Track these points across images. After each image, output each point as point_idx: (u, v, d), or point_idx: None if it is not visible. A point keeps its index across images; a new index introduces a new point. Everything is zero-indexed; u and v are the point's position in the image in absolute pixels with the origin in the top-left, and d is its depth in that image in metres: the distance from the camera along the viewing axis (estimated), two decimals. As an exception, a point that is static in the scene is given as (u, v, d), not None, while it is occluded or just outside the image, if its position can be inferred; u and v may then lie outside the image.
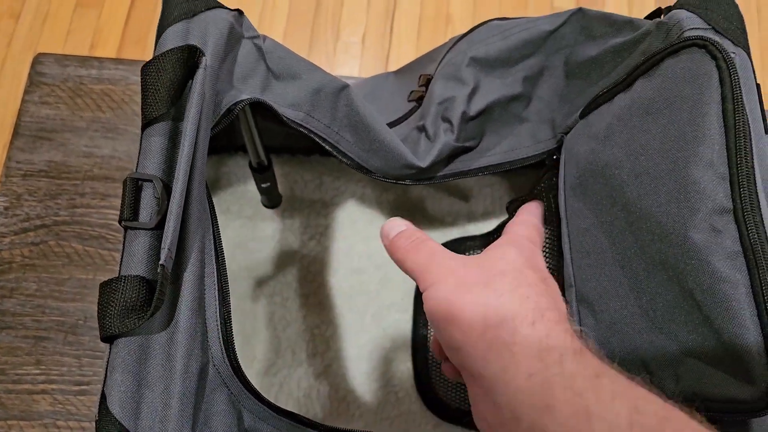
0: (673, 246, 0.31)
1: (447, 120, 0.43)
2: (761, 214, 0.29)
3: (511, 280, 0.31)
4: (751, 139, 0.30)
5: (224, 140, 0.63)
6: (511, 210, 0.57)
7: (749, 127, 0.30)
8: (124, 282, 0.29)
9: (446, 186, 0.64)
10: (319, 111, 0.41)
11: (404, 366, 0.60)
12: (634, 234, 0.34)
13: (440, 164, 0.45)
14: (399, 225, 0.38)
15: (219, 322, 0.33)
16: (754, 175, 0.29)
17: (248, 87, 0.38)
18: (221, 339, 0.33)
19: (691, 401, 0.26)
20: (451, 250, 0.61)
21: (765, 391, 0.27)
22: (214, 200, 0.65)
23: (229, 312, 0.34)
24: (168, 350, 0.30)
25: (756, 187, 0.29)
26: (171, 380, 0.30)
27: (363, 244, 0.63)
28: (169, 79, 0.32)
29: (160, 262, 0.28)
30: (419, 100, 0.48)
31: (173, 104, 0.32)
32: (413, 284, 0.62)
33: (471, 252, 0.62)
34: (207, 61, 0.34)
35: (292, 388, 0.59)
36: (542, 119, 0.45)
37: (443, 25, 1.07)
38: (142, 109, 0.32)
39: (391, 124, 0.47)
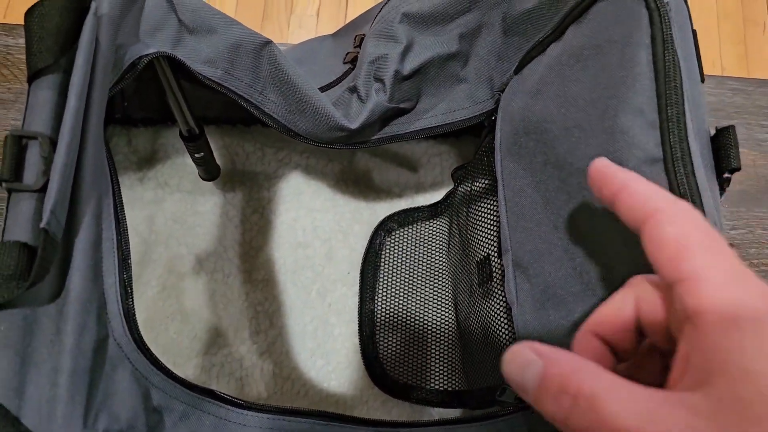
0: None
1: (379, 79, 0.41)
2: (692, 164, 0.27)
3: None
4: (682, 84, 0.28)
5: (161, 111, 0.60)
6: (456, 178, 0.55)
7: (680, 70, 0.28)
8: (2, 248, 0.26)
9: (394, 156, 0.62)
10: (239, 69, 0.39)
11: (350, 342, 0.58)
12: (567, 192, 0.32)
13: (373, 127, 0.42)
14: (530, 361, 0.23)
15: (119, 292, 0.30)
16: (685, 122, 0.27)
17: (157, 41, 0.35)
18: (121, 310, 0.30)
19: None
20: (400, 221, 0.60)
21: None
22: (151, 173, 0.62)
23: (130, 279, 0.31)
24: (57, 323, 0.27)
25: (687, 135, 0.27)
26: (60, 356, 0.27)
27: (308, 216, 0.61)
28: (55, 25, 0.29)
29: (41, 225, 0.26)
30: (354, 61, 0.45)
31: (62, 54, 0.29)
32: (359, 257, 0.60)
33: (419, 223, 0.60)
34: (104, 9, 0.31)
35: (234, 368, 0.57)
36: (480, 79, 0.43)
37: (399, -5, 1.04)
38: (27, 59, 0.29)
39: (325, 88, 0.45)
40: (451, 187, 0.60)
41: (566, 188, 0.32)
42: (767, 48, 1.07)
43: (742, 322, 0.19)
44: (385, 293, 0.58)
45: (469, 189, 0.50)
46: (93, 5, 0.29)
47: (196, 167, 0.57)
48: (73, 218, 0.29)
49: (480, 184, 0.47)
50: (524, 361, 0.23)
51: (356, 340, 0.58)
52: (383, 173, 0.62)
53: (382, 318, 0.57)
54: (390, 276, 0.58)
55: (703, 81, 0.31)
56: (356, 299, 0.59)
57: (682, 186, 0.27)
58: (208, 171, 0.56)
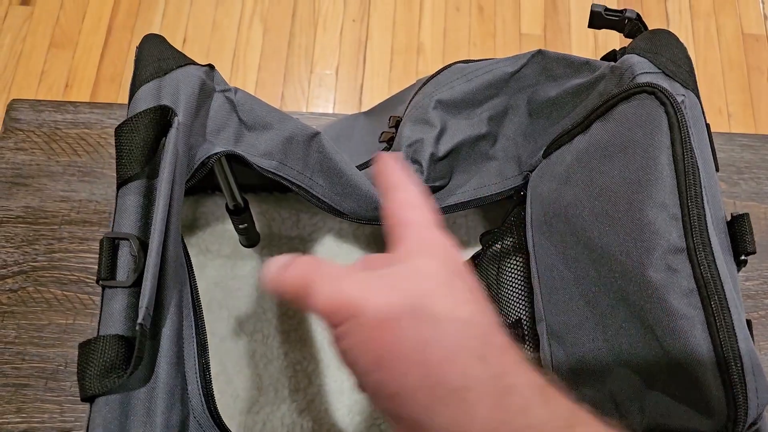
0: (633, 284, 0.32)
1: (416, 162, 0.45)
2: (713, 253, 0.30)
3: (443, 301, 0.25)
4: (701, 181, 0.31)
5: (201, 181, 0.64)
6: (484, 242, 0.58)
7: (699, 169, 0.32)
8: (102, 342, 0.30)
9: (421, 218, 0.65)
10: (292, 159, 0.43)
11: (386, 398, 0.60)
12: (597, 271, 0.35)
13: None
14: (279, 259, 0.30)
15: (198, 375, 0.33)
16: (704, 215, 0.31)
17: (221, 139, 0.39)
18: (201, 391, 0.33)
19: None
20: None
21: (723, 423, 0.28)
22: (193, 240, 0.66)
23: (208, 364, 0.34)
24: (148, 406, 0.31)
25: (707, 226, 0.31)
26: (152, 436, 0.30)
27: (341, 278, 0.64)
28: (142, 139, 0.33)
29: (138, 321, 0.29)
30: (390, 141, 0.49)
31: (147, 163, 0.33)
32: (392, 316, 0.63)
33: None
34: (179, 119, 0.35)
35: (276, 426, 0.59)
36: (508, 157, 0.47)
37: (414, 55, 1.09)
38: (117, 168, 0.33)
39: (363, 166, 0.49)
40: (476, 248, 0.63)
41: (596, 267, 0.35)
42: (772, 95, 1.11)
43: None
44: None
45: (498, 251, 0.53)
46: (176, 120, 0.33)
47: (239, 236, 0.60)
48: (159, 310, 0.32)
49: (509, 249, 0.51)
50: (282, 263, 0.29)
51: (391, 396, 0.60)
52: (412, 235, 0.65)
53: None
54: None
55: (717, 170, 0.35)
56: (390, 357, 0.62)
57: (705, 274, 0.30)
58: (250, 239, 0.60)
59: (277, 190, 0.66)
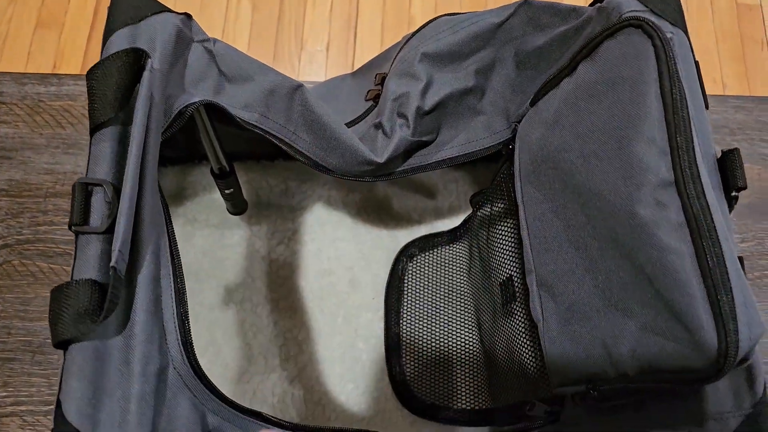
0: (623, 223, 0.32)
1: (402, 115, 0.44)
2: (702, 185, 0.30)
3: None
4: (689, 113, 0.31)
5: (188, 150, 0.63)
6: (474, 203, 0.58)
7: (687, 101, 0.31)
8: (75, 286, 0.29)
9: (412, 183, 0.64)
10: (274, 111, 0.42)
11: (378, 366, 0.60)
12: (586, 215, 0.35)
13: (398, 159, 0.45)
14: None
15: (177, 323, 0.32)
16: (693, 147, 0.30)
17: (200, 90, 0.38)
18: (180, 340, 0.32)
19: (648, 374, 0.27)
20: (421, 247, 0.63)
21: (715, 358, 0.28)
22: (180, 210, 0.65)
23: (186, 312, 0.34)
24: (125, 354, 0.30)
25: (696, 158, 0.30)
26: (129, 385, 0.29)
27: (331, 246, 0.63)
28: (115, 82, 0.32)
29: (111, 264, 0.28)
30: (376, 98, 0.48)
31: (121, 108, 0.32)
32: (383, 284, 0.62)
33: (440, 248, 0.62)
34: (154, 63, 0.34)
35: (266, 395, 0.59)
36: (497, 110, 0.46)
37: (405, 29, 1.08)
38: (89, 113, 0.32)
39: (350, 124, 0.48)
40: (468, 211, 0.62)
41: (585, 211, 0.35)
42: (767, 65, 1.09)
43: None
44: (409, 317, 0.60)
45: (488, 213, 0.52)
46: (149, 63, 0.32)
47: (225, 203, 0.59)
48: (135, 257, 0.31)
49: (499, 209, 0.50)
50: None
51: (383, 364, 0.60)
52: (402, 201, 0.64)
53: (408, 341, 0.59)
54: (414, 300, 0.61)
55: (707, 108, 0.34)
56: (382, 324, 0.61)
57: (694, 206, 0.29)
58: (236, 205, 0.59)
59: (264, 158, 0.65)
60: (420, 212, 0.64)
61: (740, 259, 0.31)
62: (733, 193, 0.32)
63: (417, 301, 0.61)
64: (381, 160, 0.43)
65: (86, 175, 0.32)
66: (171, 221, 0.36)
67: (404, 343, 0.59)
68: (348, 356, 0.60)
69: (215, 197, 0.64)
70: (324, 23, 1.14)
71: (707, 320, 0.28)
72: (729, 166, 0.32)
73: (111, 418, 0.29)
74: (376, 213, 0.64)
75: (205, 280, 0.62)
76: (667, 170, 0.30)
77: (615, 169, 0.32)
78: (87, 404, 0.28)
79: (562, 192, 0.36)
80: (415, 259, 0.62)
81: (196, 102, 0.37)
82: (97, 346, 0.29)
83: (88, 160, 0.32)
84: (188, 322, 0.34)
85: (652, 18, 0.35)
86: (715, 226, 0.28)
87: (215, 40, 0.40)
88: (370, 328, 0.61)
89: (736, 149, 0.33)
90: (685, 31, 0.36)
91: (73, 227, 0.30)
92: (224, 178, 0.53)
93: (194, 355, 0.33)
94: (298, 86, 0.42)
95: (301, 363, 0.60)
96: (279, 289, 0.62)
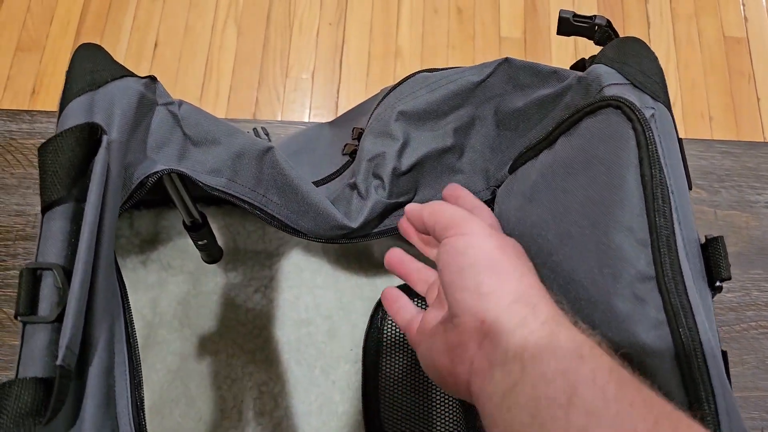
0: (600, 312, 0.30)
1: (378, 176, 0.42)
2: (683, 281, 0.28)
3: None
4: (670, 203, 0.29)
5: (162, 194, 0.61)
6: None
7: (668, 190, 0.29)
8: (18, 386, 0.27)
9: (392, 230, 0.63)
10: (243, 175, 0.40)
11: (354, 419, 0.58)
12: (566, 296, 0.33)
13: (374, 221, 0.44)
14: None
15: (131, 413, 0.31)
16: (675, 241, 0.29)
17: (164, 156, 0.37)
18: (133, 430, 0.31)
19: None
20: (405, 294, 0.61)
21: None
22: (154, 256, 0.63)
23: (142, 401, 0.32)
24: (72, 453, 0.28)
25: (677, 252, 0.29)
26: (76, 486, 0.28)
27: (309, 294, 0.61)
28: (68, 159, 0.30)
29: (57, 362, 0.26)
30: (353, 153, 0.47)
31: (74, 185, 0.30)
32: (361, 334, 0.60)
33: (421, 299, 0.61)
34: (112, 134, 0.32)
35: (240, 451, 0.57)
36: (476, 170, 0.45)
37: (392, 59, 1.07)
38: (41, 191, 0.30)
39: (325, 180, 0.46)
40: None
41: (564, 293, 0.33)
42: (754, 98, 1.09)
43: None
44: (388, 369, 0.58)
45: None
46: (105, 139, 0.31)
47: (199, 252, 0.57)
48: (86, 346, 0.29)
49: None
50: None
51: (360, 417, 0.58)
52: (383, 248, 0.63)
53: (387, 394, 0.57)
54: (393, 351, 0.59)
55: (690, 188, 0.32)
56: (359, 376, 0.59)
57: (675, 305, 0.28)
58: (211, 255, 0.57)
59: (242, 202, 0.63)
60: (401, 259, 0.63)
61: (724, 354, 0.29)
62: (717, 284, 0.31)
63: (396, 353, 0.59)
64: (355, 225, 0.41)
65: (36, 257, 0.30)
66: (128, 303, 0.34)
67: (383, 397, 0.58)
68: (325, 409, 0.59)
69: (190, 242, 0.62)
70: (310, 50, 1.13)
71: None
72: (713, 255, 0.31)
73: None
74: (357, 261, 0.63)
75: (179, 329, 0.60)
76: (646, 264, 0.29)
77: (591, 255, 0.31)
78: None
79: (540, 269, 0.35)
80: (394, 310, 0.60)
81: (158, 171, 0.36)
82: (41, 447, 0.27)
83: (39, 241, 0.30)
84: (143, 412, 0.32)
85: (632, 93, 0.34)
86: (697, 328, 0.27)
87: (181, 102, 0.39)
88: (347, 381, 0.59)
89: (720, 237, 0.31)
90: (668, 105, 0.35)
91: (19, 317, 0.29)
92: (197, 230, 0.52)
93: (149, 446, 0.31)
94: (269, 149, 0.40)
95: (276, 417, 0.58)
96: (255, 339, 0.60)
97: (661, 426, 0.24)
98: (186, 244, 0.62)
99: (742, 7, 1.25)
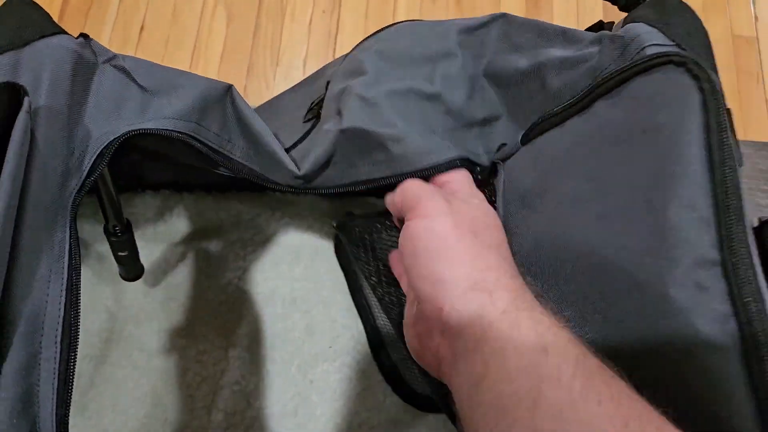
0: (650, 304, 0.26)
1: (339, 112, 0.38)
2: (753, 267, 0.24)
3: (492, 236, 0.33)
4: (738, 176, 0.25)
5: (126, 177, 0.57)
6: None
7: (737, 162, 0.25)
8: None
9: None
10: (209, 117, 0.36)
11: (333, 422, 0.54)
12: (598, 285, 0.28)
13: (333, 170, 0.39)
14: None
15: (54, 424, 0.26)
16: (743, 220, 0.24)
17: (123, 118, 0.33)
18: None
19: None
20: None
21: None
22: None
23: (67, 413, 0.27)
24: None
25: (747, 234, 0.24)
26: None
27: (287, 286, 0.57)
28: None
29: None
30: (317, 110, 0.43)
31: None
32: (341, 330, 0.56)
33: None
34: (42, 101, 0.28)
35: (208, 454, 0.53)
36: (455, 137, 0.40)
37: (386, 46, 1.03)
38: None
39: (292, 146, 0.42)
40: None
41: (594, 282, 0.29)
42: (762, 99, 1.05)
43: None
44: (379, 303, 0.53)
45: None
46: (26, 101, 0.27)
47: (117, 266, 0.53)
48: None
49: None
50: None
51: (339, 420, 0.54)
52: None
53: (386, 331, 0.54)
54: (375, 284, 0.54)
55: (740, 165, 0.28)
56: (339, 375, 0.55)
57: (746, 294, 0.23)
58: (130, 270, 0.52)
59: (215, 189, 0.59)
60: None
61: None
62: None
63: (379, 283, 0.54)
64: (300, 171, 0.38)
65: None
66: (76, 287, 0.30)
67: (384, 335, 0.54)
68: (301, 410, 0.55)
69: (159, 230, 0.58)
70: (302, 37, 1.09)
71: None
72: (768, 239, 0.27)
73: None
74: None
75: (145, 322, 0.56)
76: (710, 246, 0.25)
77: (642, 237, 0.26)
78: None
79: (564, 257, 0.31)
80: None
81: (118, 137, 0.32)
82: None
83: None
84: (66, 422, 0.27)
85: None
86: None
87: (123, 56, 0.34)
88: (326, 380, 0.55)
89: (775, 220, 0.27)
90: (716, 72, 0.30)
91: None
92: (119, 237, 0.47)
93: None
94: (228, 87, 0.37)
95: (248, 419, 0.54)
96: (227, 335, 0.56)
97: (631, 428, 0.22)
98: (154, 233, 0.58)
99: (752, 6, 1.20)
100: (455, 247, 0.30)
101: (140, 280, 0.56)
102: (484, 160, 0.40)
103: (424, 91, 0.38)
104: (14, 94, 0.26)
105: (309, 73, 1.07)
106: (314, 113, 0.41)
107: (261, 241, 0.58)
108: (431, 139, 0.37)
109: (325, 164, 0.38)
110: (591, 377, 0.24)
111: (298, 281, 0.57)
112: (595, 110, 0.31)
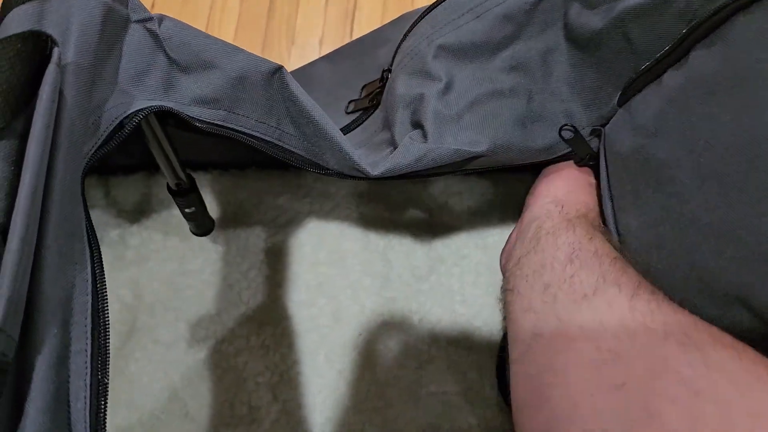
0: (761, 276, 0.23)
1: (418, 125, 0.35)
2: None
3: (581, 187, 0.40)
4: None
5: (143, 157, 0.53)
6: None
7: None
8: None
9: (406, 197, 0.56)
10: (247, 104, 0.32)
11: (365, 415, 0.51)
12: (693, 256, 0.26)
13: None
14: None
15: (88, 421, 0.23)
16: None
17: (144, 89, 0.29)
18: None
19: None
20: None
21: None
22: (134, 228, 0.55)
23: (105, 407, 0.24)
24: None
25: None
26: None
27: (311, 271, 0.54)
28: (5, 79, 0.22)
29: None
30: (374, 97, 0.39)
31: (14, 116, 0.22)
32: (371, 316, 0.53)
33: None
34: (68, 55, 0.24)
35: (232, 451, 0.50)
36: (552, 114, 0.37)
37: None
38: (-29, 123, 0.23)
39: (344, 130, 0.39)
40: (470, 228, 0.54)
41: (692, 252, 0.26)
42: None
43: None
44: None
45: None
46: (56, 52, 0.23)
47: (187, 222, 0.50)
48: (30, 330, 0.22)
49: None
50: None
51: (371, 414, 0.51)
52: (396, 217, 0.55)
53: None
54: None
55: None
56: (369, 363, 0.52)
57: None
58: (200, 226, 0.49)
59: (234, 166, 0.55)
60: (415, 230, 0.55)
61: None
62: None
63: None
64: (372, 173, 0.34)
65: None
66: (100, 267, 0.26)
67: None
68: (329, 404, 0.51)
69: (175, 213, 0.54)
70: (319, 14, 1.05)
71: None
72: None
73: None
74: (365, 232, 0.55)
75: (162, 313, 0.52)
76: None
77: (746, 198, 0.24)
78: None
79: (667, 223, 0.28)
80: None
81: (139, 110, 0.28)
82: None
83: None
84: (105, 417, 0.24)
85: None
86: None
87: (162, 17, 0.30)
88: (355, 371, 0.52)
89: None
90: None
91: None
92: (183, 196, 0.44)
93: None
94: (277, 69, 0.33)
95: (273, 413, 0.50)
96: (248, 323, 0.52)
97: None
98: (170, 214, 0.54)
99: None
100: (563, 177, 0.40)
101: (156, 266, 0.53)
102: (564, 147, 0.38)
103: (504, 87, 0.36)
104: (41, 44, 0.23)
105: (325, 52, 1.01)
106: (369, 103, 0.38)
107: (283, 222, 0.55)
108: (517, 137, 0.37)
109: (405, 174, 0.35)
110: (625, 271, 0.30)
111: (323, 265, 0.54)
112: (690, 60, 0.28)
